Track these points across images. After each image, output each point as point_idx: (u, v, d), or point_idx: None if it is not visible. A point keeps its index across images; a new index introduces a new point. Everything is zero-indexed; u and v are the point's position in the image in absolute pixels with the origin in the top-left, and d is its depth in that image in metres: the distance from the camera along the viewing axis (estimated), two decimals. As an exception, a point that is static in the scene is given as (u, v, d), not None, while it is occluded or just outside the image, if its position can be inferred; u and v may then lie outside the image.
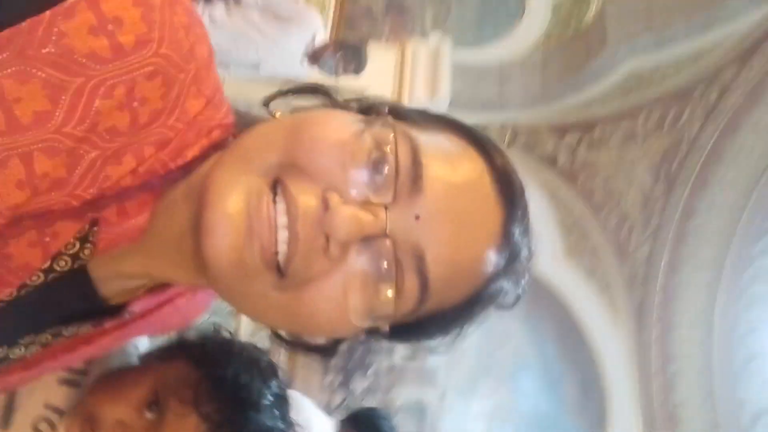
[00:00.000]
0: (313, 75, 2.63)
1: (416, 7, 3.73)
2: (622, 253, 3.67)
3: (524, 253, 0.51)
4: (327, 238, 0.43)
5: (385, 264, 0.44)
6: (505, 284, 0.51)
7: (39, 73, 0.38)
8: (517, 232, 0.49)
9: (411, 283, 0.45)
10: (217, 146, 0.49)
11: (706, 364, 3.35)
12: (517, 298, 0.54)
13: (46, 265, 0.47)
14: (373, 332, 0.50)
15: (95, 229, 0.46)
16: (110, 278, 0.51)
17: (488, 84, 3.70)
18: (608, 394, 3.34)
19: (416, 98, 3.32)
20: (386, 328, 0.49)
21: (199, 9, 2.32)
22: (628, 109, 3.75)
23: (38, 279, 0.47)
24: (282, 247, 0.43)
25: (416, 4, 3.75)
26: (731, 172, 3.51)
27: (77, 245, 0.47)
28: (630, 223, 3.73)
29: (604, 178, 3.79)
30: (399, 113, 0.49)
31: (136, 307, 0.54)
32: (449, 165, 0.46)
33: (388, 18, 3.74)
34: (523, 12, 3.82)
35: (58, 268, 0.47)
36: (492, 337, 3.34)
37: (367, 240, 0.44)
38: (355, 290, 0.44)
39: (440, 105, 3.40)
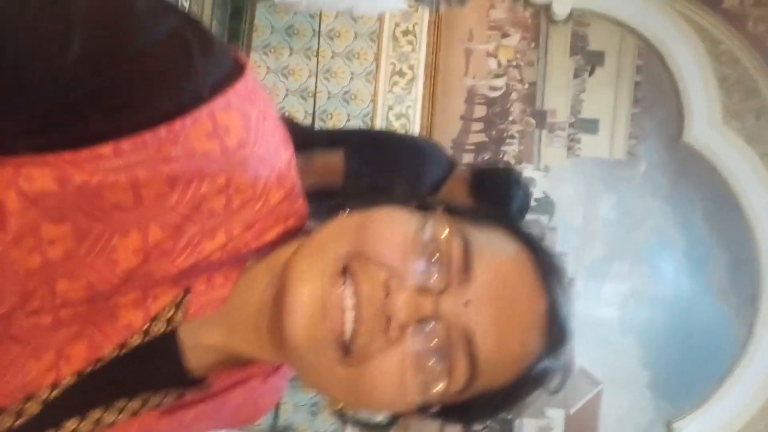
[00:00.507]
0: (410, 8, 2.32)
1: None
2: (796, 112, 3.08)
3: (567, 334, 0.55)
4: (388, 321, 0.49)
5: (437, 344, 0.50)
6: (551, 368, 0.55)
7: (164, 168, 0.47)
8: (559, 320, 0.53)
9: (461, 363, 0.50)
10: (292, 232, 0.57)
11: None
12: (562, 383, 0.58)
13: (146, 326, 0.53)
14: (425, 410, 0.54)
15: (188, 296, 0.53)
16: (194, 349, 0.56)
17: None
18: (764, 274, 3.01)
19: None
20: (437, 407, 0.53)
21: None
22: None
23: (138, 339, 0.53)
24: (348, 326, 0.49)
25: None
26: None
27: (173, 310, 0.53)
28: (810, 72, 3.07)
29: (781, 19, 3.09)
30: (453, 210, 0.56)
31: (215, 380, 0.59)
32: (496, 256, 0.52)
33: None
34: None
35: (154, 331, 0.53)
36: (629, 216, 3.07)
37: (422, 322, 0.49)
38: (411, 368, 0.50)
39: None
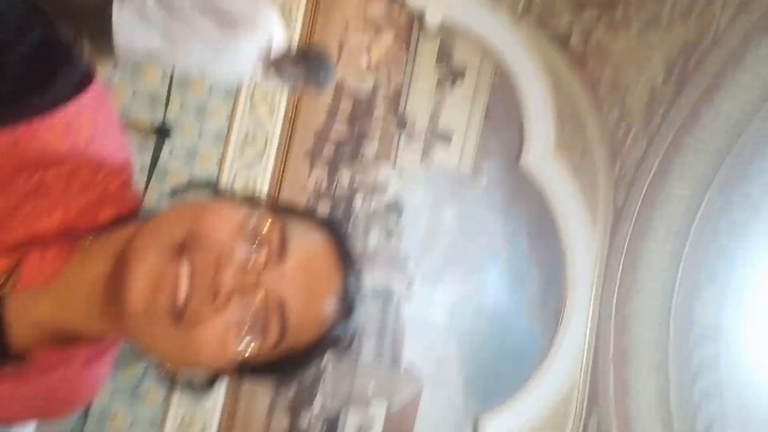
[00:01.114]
0: (269, 82, 2.19)
1: None
2: (614, 153, 3.48)
3: (356, 306, 0.69)
4: (216, 293, 0.58)
5: (256, 309, 0.60)
6: (343, 332, 0.68)
7: (16, 158, 0.58)
8: (351, 291, 0.67)
9: (274, 324, 0.61)
10: (126, 217, 0.66)
11: (669, 278, 3.38)
12: (351, 341, 0.70)
13: None
14: (244, 367, 0.64)
15: (20, 266, 0.59)
16: (20, 322, 0.60)
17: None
18: (569, 294, 3.38)
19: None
20: (255, 362, 0.63)
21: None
22: (657, -10, 3.33)
23: None
24: (182, 296, 0.57)
25: None
26: (746, 80, 3.23)
27: (3, 277, 0.58)
28: (630, 120, 3.50)
29: (614, 67, 3.46)
30: (274, 206, 0.67)
31: (36, 357, 0.62)
32: (305, 240, 0.65)
33: None
34: None
35: None
36: (467, 229, 3.25)
37: (245, 291, 0.60)
38: (233, 330, 0.59)
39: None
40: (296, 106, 2.89)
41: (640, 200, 3.46)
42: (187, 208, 0.63)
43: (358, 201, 3.00)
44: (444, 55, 3.18)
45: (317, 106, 2.97)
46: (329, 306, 0.65)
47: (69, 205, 0.62)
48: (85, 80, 0.62)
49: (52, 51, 0.58)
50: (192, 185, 0.69)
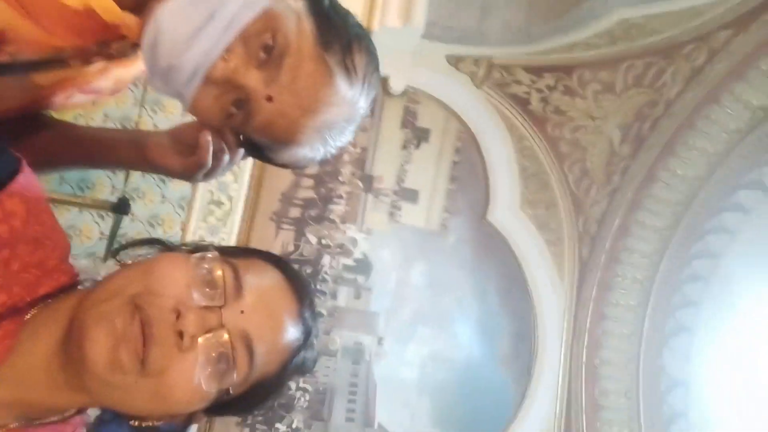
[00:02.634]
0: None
1: None
2: (577, 209, 3.61)
3: (315, 330, 0.74)
4: (180, 336, 0.60)
5: (223, 346, 0.62)
6: (306, 354, 0.73)
7: None
8: (308, 316, 0.72)
9: (242, 359, 0.64)
10: (66, 288, 0.69)
11: (636, 329, 3.45)
12: (314, 363, 0.76)
13: None
14: (216, 407, 0.67)
15: None
16: None
17: (470, 13, 3.39)
18: (539, 347, 3.42)
19: (388, 25, 3.02)
20: (227, 398, 0.66)
21: None
22: (611, 58, 3.53)
23: None
24: (144, 345, 0.59)
25: None
26: (700, 143, 3.42)
27: None
28: (591, 178, 3.64)
29: (573, 128, 3.63)
30: (222, 249, 0.71)
31: None
32: (258, 276, 0.69)
33: None
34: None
35: None
36: (436, 286, 3.32)
37: (210, 331, 0.62)
38: (203, 368, 0.61)
39: (412, 35, 3.12)
40: (261, 167, 3.00)
41: (604, 254, 3.57)
42: (137, 265, 0.65)
43: (326, 261, 3.08)
44: (408, 119, 3.34)
45: (282, 170, 3.08)
46: (291, 332, 0.69)
47: (10, 286, 0.63)
48: (14, 167, 0.66)
49: None
50: (135, 243, 0.73)
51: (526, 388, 3.37)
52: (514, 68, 3.54)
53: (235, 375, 0.64)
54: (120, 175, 2.71)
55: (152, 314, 0.60)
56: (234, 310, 0.64)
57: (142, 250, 0.73)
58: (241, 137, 0.85)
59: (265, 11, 0.76)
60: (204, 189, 2.91)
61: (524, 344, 3.39)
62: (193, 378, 0.60)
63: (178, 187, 2.88)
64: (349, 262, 3.13)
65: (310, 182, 3.13)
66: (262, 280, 0.69)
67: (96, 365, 0.57)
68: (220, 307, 0.64)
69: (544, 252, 3.50)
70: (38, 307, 0.66)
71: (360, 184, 3.22)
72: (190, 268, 0.64)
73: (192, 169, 0.89)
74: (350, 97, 0.82)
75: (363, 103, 0.85)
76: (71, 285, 0.70)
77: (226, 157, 0.87)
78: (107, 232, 2.59)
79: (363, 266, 3.14)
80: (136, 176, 2.76)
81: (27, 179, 0.67)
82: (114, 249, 0.74)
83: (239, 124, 0.81)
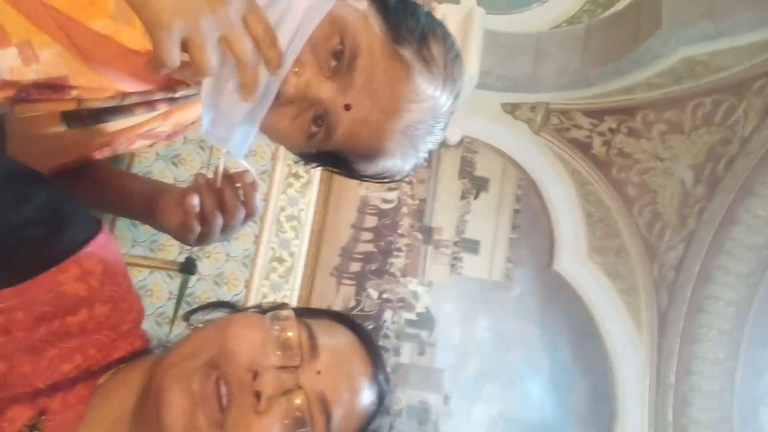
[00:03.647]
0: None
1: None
2: (651, 255, 3.41)
3: (389, 394, 0.72)
4: (258, 397, 0.59)
5: (300, 408, 0.61)
6: (379, 418, 0.70)
7: (37, 309, 0.58)
8: (382, 379, 0.71)
9: (319, 419, 0.62)
10: (139, 352, 0.69)
11: (727, 385, 3.16)
12: (389, 430, 0.76)
13: None
14: None
15: (43, 417, 0.58)
16: None
17: (523, 60, 3.36)
18: (619, 404, 3.18)
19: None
20: None
21: None
22: (676, 98, 3.40)
23: None
24: (222, 408, 0.58)
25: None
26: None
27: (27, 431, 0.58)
28: (663, 222, 3.45)
29: (640, 171, 3.48)
30: (294, 310, 0.69)
31: None
32: (332, 337, 0.68)
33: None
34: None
35: None
36: (502, 341, 3.17)
37: (287, 393, 0.61)
38: (282, 430, 0.59)
39: (467, 86, 3.10)
40: (321, 222, 3.00)
41: (686, 303, 3.32)
42: (212, 327, 0.65)
43: (387, 316, 3.00)
44: (465, 170, 3.29)
45: (342, 222, 3.08)
46: (367, 395, 0.67)
47: (86, 348, 0.63)
48: (93, 227, 0.65)
49: (58, 209, 0.61)
50: (205, 307, 0.72)
51: (607, 449, 3.11)
52: (572, 113, 3.47)
53: None
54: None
55: (229, 373, 0.59)
56: (310, 370, 0.63)
57: (212, 314, 0.72)
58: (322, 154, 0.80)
59: (330, 14, 0.70)
60: (266, 246, 2.94)
61: (602, 402, 3.16)
62: None
63: (241, 246, 2.92)
64: (412, 316, 3.04)
65: (369, 236, 3.10)
66: (336, 341, 0.68)
67: (174, 429, 0.56)
68: (296, 368, 0.63)
69: (617, 302, 3.30)
70: (111, 371, 0.65)
71: (419, 236, 3.16)
72: (265, 328, 0.64)
73: (182, 233, 0.84)
74: (432, 91, 0.76)
75: (448, 96, 0.79)
76: (144, 350, 0.70)
77: (219, 221, 0.81)
78: (176, 292, 2.65)
79: (426, 320, 3.04)
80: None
81: (106, 240, 0.66)
82: (185, 313, 0.71)
83: (321, 142, 0.76)
